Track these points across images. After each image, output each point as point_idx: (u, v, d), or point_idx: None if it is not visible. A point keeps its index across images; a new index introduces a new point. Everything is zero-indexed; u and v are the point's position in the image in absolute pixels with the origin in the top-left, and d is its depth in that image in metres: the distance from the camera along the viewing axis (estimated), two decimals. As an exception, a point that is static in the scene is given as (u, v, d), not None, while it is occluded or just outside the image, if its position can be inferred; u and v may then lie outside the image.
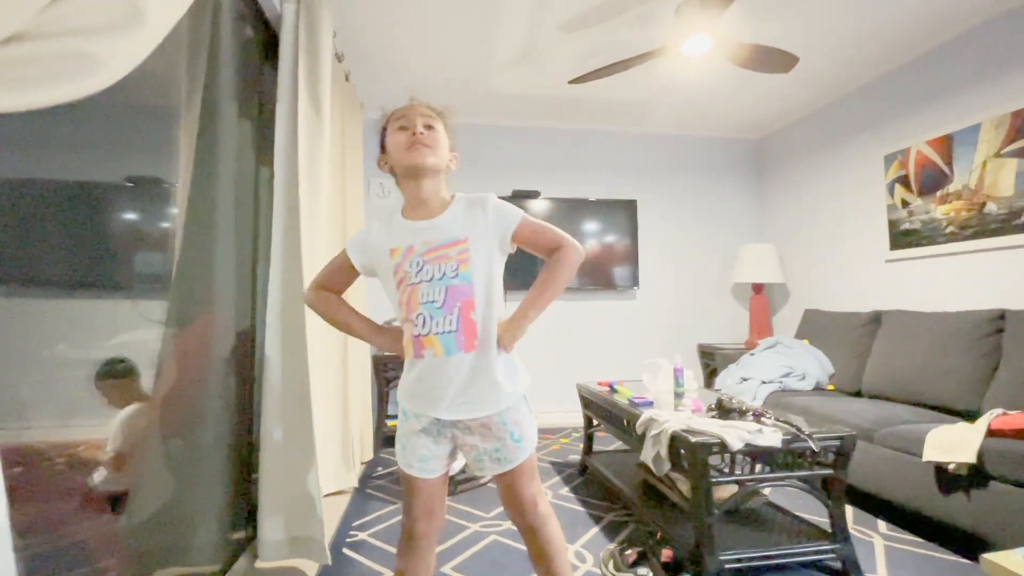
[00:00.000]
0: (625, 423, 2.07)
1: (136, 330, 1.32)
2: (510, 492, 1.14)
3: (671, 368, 2.12)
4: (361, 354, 2.87)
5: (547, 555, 1.15)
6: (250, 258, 1.88)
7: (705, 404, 1.93)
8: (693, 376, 2.06)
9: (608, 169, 4.05)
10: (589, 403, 2.58)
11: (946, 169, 2.69)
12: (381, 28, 2.62)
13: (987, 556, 0.80)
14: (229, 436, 1.68)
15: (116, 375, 1.22)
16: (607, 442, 3.17)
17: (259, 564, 1.72)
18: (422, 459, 1.11)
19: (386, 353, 3.29)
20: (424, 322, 1.06)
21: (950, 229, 2.68)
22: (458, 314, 1.06)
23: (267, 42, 2.00)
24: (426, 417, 1.10)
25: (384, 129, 1.16)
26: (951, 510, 1.77)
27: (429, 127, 1.11)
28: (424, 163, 1.08)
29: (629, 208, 4.00)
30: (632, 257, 3.97)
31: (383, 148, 1.17)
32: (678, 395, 1.96)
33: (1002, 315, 2.25)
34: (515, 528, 1.99)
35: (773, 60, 2.37)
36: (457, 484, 2.41)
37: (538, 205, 3.86)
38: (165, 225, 1.42)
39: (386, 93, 3.39)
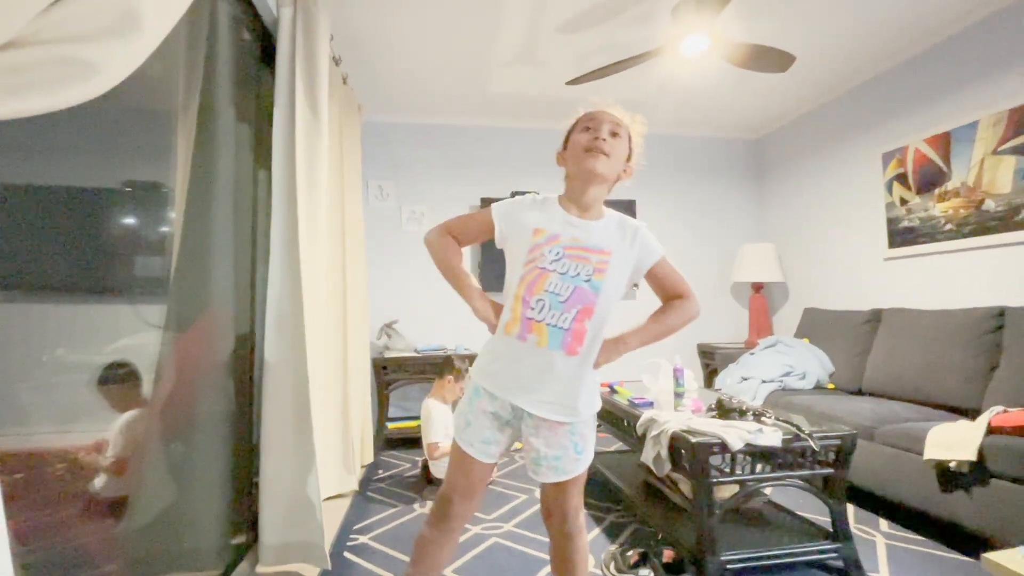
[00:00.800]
0: (625, 424, 2.07)
1: (135, 334, 1.32)
2: (556, 500, 1.15)
3: (671, 368, 2.12)
4: (361, 356, 2.87)
5: (574, 564, 1.17)
6: (249, 262, 1.88)
7: (705, 404, 1.93)
8: (693, 376, 2.05)
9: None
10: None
11: (944, 167, 2.70)
12: (379, 30, 2.62)
13: (988, 555, 0.80)
14: (229, 440, 1.68)
15: (118, 379, 1.21)
16: (607, 443, 3.17)
17: (260, 569, 1.71)
18: (485, 440, 1.10)
19: (387, 355, 3.29)
20: (542, 308, 1.07)
21: (949, 227, 2.68)
22: (575, 316, 1.07)
23: (264, 46, 2.00)
24: (501, 401, 1.10)
25: (572, 126, 1.17)
26: (952, 508, 1.76)
27: (614, 134, 1.12)
28: (596, 170, 1.10)
29: (627, 208, 3.99)
30: (631, 257, 3.97)
31: (566, 144, 1.17)
32: (678, 395, 1.96)
33: (1002, 312, 2.25)
34: (516, 531, 2.00)
35: (770, 60, 2.37)
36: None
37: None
38: (163, 229, 1.42)
39: (385, 95, 3.39)
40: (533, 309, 1.07)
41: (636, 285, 1.18)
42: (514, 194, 3.90)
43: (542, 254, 1.08)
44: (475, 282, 1.18)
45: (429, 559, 1.14)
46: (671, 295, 1.18)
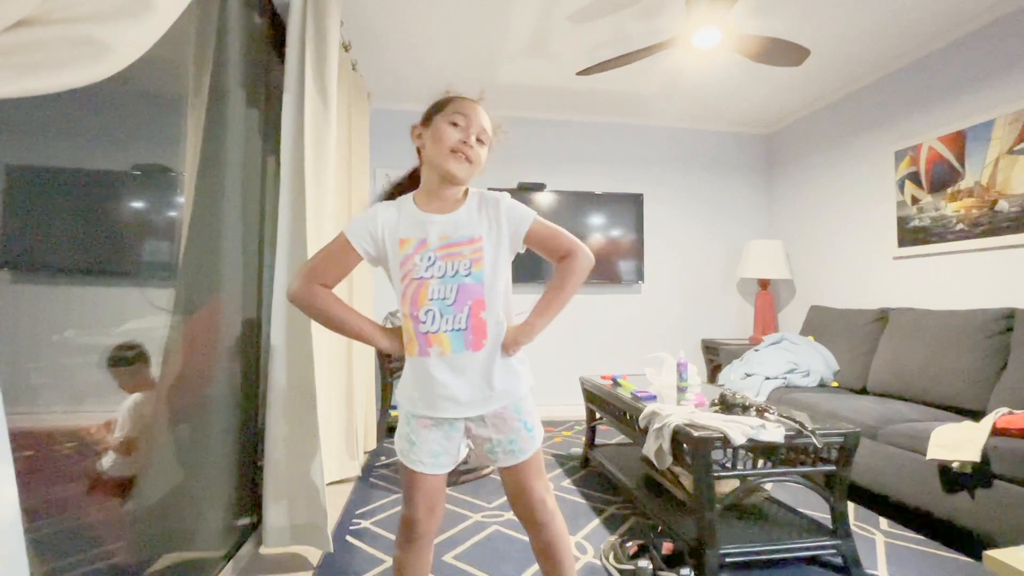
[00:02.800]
0: (628, 417, 2.08)
1: (143, 318, 1.33)
2: (519, 487, 1.12)
3: (675, 363, 2.12)
4: (365, 345, 2.88)
5: (553, 550, 1.14)
6: (256, 247, 1.89)
7: (708, 399, 1.93)
8: (696, 371, 2.06)
9: (615, 162, 4.02)
10: (592, 396, 2.59)
11: (958, 166, 2.66)
12: (389, 17, 2.60)
13: (990, 553, 0.80)
14: (235, 424, 1.70)
15: (127, 360, 1.23)
16: (609, 435, 3.18)
17: (263, 550, 1.74)
18: (433, 454, 1.08)
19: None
20: (433, 319, 1.04)
21: (960, 227, 2.65)
22: (468, 313, 1.04)
23: (274, 30, 1.99)
24: (436, 417, 1.08)
25: (438, 107, 1.10)
26: (954, 508, 1.76)
27: (480, 141, 1.08)
28: (459, 176, 1.06)
29: (635, 202, 3.98)
30: (638, 251, 3.96)
31: (426, 122, 1.11)
32: (681, 389, 1.96)
33: (1011, 314, 2.23)
34: (516, 519, 2.01)
35: (784, 53, 2.34)
36: (460, 475, 2.43)
37: (544, 198, 3.84)
38: (172, 213, 1.42)
39: (394, 83, 3.37)
40: (424, 323, 1.04)
41: (521, 253, 1.12)
42: (520, 185, 3.87)
43: (414, 264, 1.04)
44: (367, 321, 1.11)
45: (411, 565, 1.13)
46: (559, 255, 1.11)
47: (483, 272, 1.05)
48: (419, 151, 1.14)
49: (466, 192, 1.12)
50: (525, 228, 1.09)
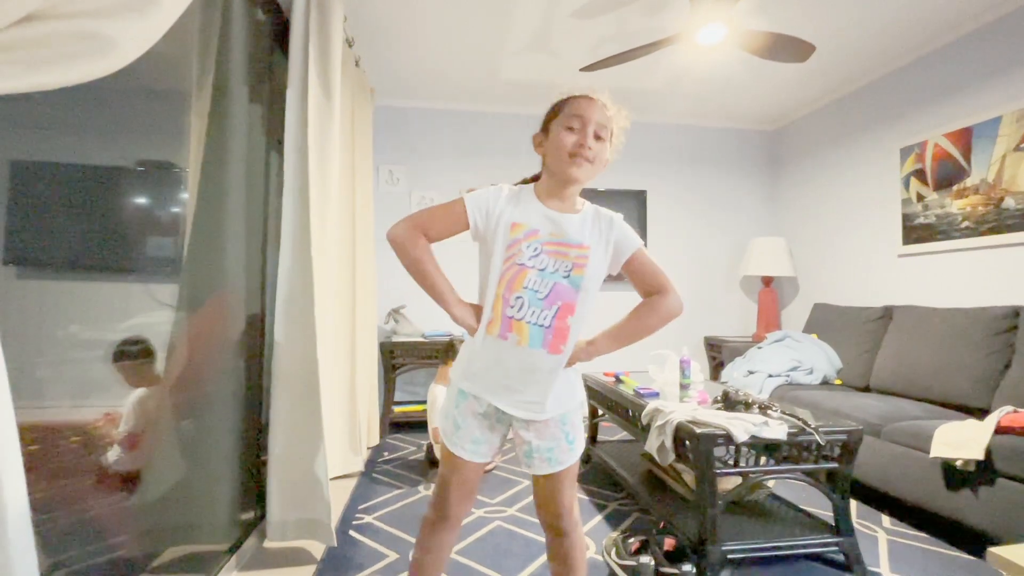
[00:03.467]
0: (630, 413, 2.08)
1: (148, 313, 1.34)
2: (550, 494, 1.12)
3: (677, 360, 2.12)
4: (369, 340, 2.89)
5: (571, 560, 1.15)
6: (260, 243, 1.89)
7: (711, 396, 1.93)
8: (699, 368, 2.05)
9: (618, 158, 4.00)
10: (594, 393, 2.59)
11: (964, 163, 2.64)
12: (392, 13, 2.60)
13: (994, 550, 0.80)
14: (239, 419, 1.71)
15: (133, 355, 1.23)
16: (612, 432, 3.18)
17: (267, 544, 1.75)
18: (474, 441, 1.09)
19: (395, 340, 3.31)
20: (522, 306, 1.04)
21: (966, 224, 2.64)
22: (555, 313, 1.05)
23: (278, 26, 1.99)
24: (485, 402, 1.09)
25: (555, 112, 1.10)
26: (957, 506, 1.76)
27: (599, 137, 1.06)
28: (579, 179, 1.06)
29: (639, 198, 3.97)
30: (640, 248, 3.95)
31: (545, 129, 1.12)
32: (684, 387, 1.96)
33: (1016, 312, 2.22)
34: (519, 515, 2.02)
35: (789, 49, 2.32)
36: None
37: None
38: (176, 209, 1.43)
39: (397, 79, 3.37)
40: (512, 307, 1.04)
41: (614, 276, 1.13)
42: (524, 182, 3.86)
43: (520, 250, 1.05)
44: (450, 285, 1.11)
45: (435, 555, 1.14)
46: (650, 289, 1.12)
47: (581, 279, 1.06)
48: (543, 158, 1.14)
49: (584, 204, 1.13)
50: (630, 253, 1.10)
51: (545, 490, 1.12)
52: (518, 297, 1.04)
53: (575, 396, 1.13)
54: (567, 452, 1.10)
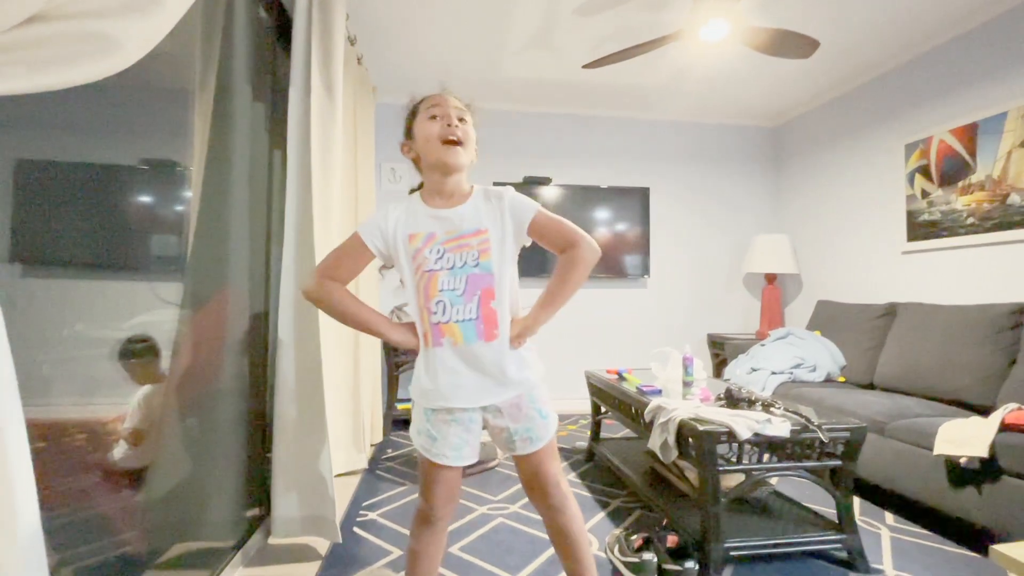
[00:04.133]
0: (633, 411, 2.08)
1: (153, 311, 1.34)
2: (536, 472, 1.14)
3: (680, 357, 2.12)
4: (372, 338, 2.90)
5: (570, 532, 1.17)
6: (263, 241, 1.90)
7: (714, 393, 1.93)
8: (702, 366, 2.05)
9: (621, 156, 4.00)
10: (597, 390, 2.59)
11: (969, 159, 2.63)
12: (394, 11, 2.59)
13: (998, 547, 0.80)
14: (244, 416, 1.72)
15: (138, 353, 1.24)
16: (615, 429, 3.18)
17: (272, 541, 1.76)
18: (455, 447, 1.11)
19: (396, 338, 3.31)
20: (444, 309, 1.07)
21: (971, 220, 2.62)
22: (478, 303, 1.07)
23: (280, 24, 1.99)
24: (452, 408, 1.10)
25: (412, 115, 1.14)
26: (961, 504, 1.76)
27: (461, 120, 1.10)
28: (457, 162, 1.08)
29: (641, 196, 3.96)
30: (643, 245, 3.95)
31: (409, 134, 1.15)
32: (687, 384, 1.96)
33: (1021, 309, 2.21)
34: (522, 511, 2.03)
35: (793, 45, 2.31)
36: (466, 468, 2.45)
37: (549, 192, 3.83)
38: (180, 208, 1.43)
39: (399, 77, 3.37)
40: (435, 313, 1.07)
41: (527, 246, 1.14)
42: (526, 179, 3.87)
43: (424, 257, 1.07)
44: (379, 315, 1.15)
45: (427, 553, 1.17)
46: (562, 246, 1.12)
47: (491, 263, 1.08)
48: (415, 162, 1.17)
49: (472, 189, 1.14)
50: (528, 219, 1.10)
51: (530, 469, 1.15)
52: (438, 302, 1.07)
53: (534, 370, 1.14)
54: (544, 427, 1.13)
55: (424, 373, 1.12)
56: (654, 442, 1.74)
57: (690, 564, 1.51)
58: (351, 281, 1.17)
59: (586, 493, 2.24)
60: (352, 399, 2.51)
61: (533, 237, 1.13)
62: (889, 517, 1.99)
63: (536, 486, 1.16)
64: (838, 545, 1.62)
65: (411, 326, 1.15)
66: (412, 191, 1.19)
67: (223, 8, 1.51)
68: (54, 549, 0.93)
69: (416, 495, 2.19)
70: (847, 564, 1.62)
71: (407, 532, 1.87)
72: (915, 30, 2.74)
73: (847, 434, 1.61)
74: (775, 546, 1.59)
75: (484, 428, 1.15)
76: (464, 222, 1.09)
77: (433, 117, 1.09)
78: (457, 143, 1.08)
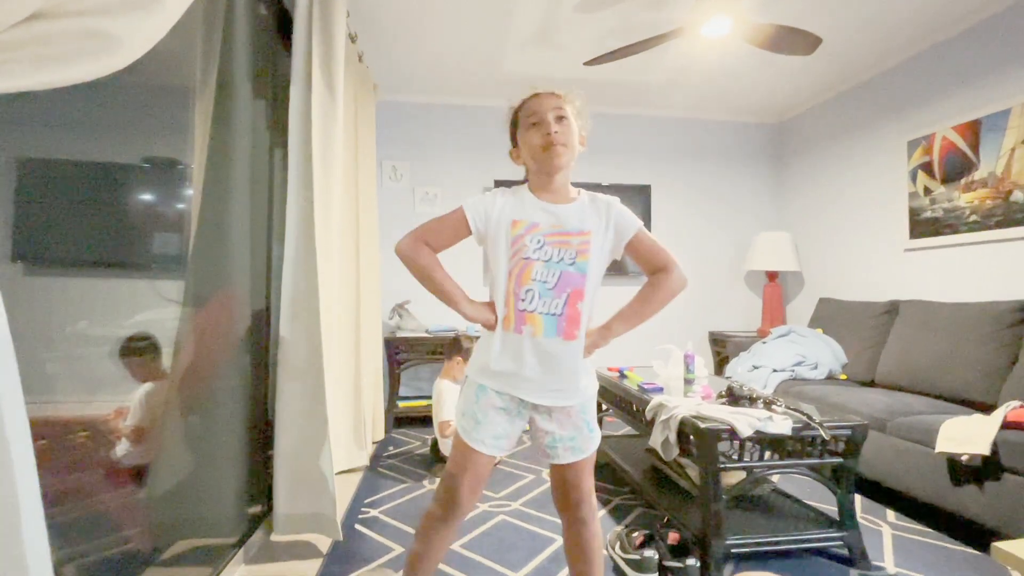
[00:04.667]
0: (634, 408, 2.08)
1: (154, 309, 1.35)
2: (572, 481, 1.15)
3: (682, 355, 2.12)
4: (373, 335, 2.90)
5: (592, 548, 1.17)
6: (264, 239, 1.90)
7: (715, 391, 1.93)
8: (704, 364, 2.05)
9: (622, 153, 3.99)
10: (599, 388, 2.59)
11: (972, 156, 2.62)
12: (395, 8, 2.59)
13: (999, 544, 0.80)
14: (245, 414, 1.72)
15: (139, 351, 1.25)
16: (616, 427, 3.19)
17: (274, 538, 1.77)
18: (496, 436, 1.11)
19: (399, 335, 3.32)
20: (532, 298, 1.08)
21: (973, 218, 2.62)
22: (566, 300, 1.08)
23: (281, 21, 1.99)
24: (509, 396, 1.11)
25: (514, 124, 1.16)
26: (962, 501, 1.76)
27: (560, 118, 1.10)
28: (560, 165, 1.10)
29: (643, 193, 3.95)
30: (645, 243, 3.93)
31: (514, 141, 1.16)
32: (688, 382, 1.96)
33: (1024, 307, 2.21)
34: (524, 509, 2.03)
35: (795, 41, 2.30)
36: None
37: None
38: (181, 206, 1.43)
39: (400, 74, 3.36)
40: (523, 300, 1.08)
41: (618, 260, 1.16)
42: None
43: (524, 244, 1.08)
44: (459, 287, 1.15)
45: (436, 548, 1.16)
46: (654, 267, 1.15)
47: (587, 264, 1.09)
48: (527, 168, 1.18)
49: (579, 192, 1.16)
50: (631, 234, 1.13)
51: (568, 478, 1.15)
52: (528, 290, 1.07)
53: (592, 385, 1.16)
54: (589, 440, 1.14)
55: (495, 354, 1.11)
56: (655, 440, 1.74)
57: (691, 561, 1.51)
58: (441, 251, 1.16)
59: (587, 490, 2.24)
60: (353, 396, 2.51)
61: (629, 253, 1.15)
62: (890, 514, 2.00)
63: (569, 497, 1.16)
64: (839, 542, 1.62)
65: (488, 305, 1.14)
66: (521, 183, 1.20)
67: (223, 5, 1.51)
68: (57, 546, 0.93)
69: (419, 493, 2.21)
70: (848, 561, 1.62)
71: (409, 529, 1.87)
72: (918, 26, 2.72)
73: (848, 432, 1.60)
74: (776, 543, 1.59)
75: (529, 427, 1.15)
76: (570, 220, 1.10)
77: (533, 124, 1.10)
78: (559, 145, 1.08)
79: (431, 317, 3.55)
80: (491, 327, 1.12)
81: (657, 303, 1.15)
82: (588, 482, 1.16)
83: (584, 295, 1.09)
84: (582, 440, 1.13)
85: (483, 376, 1.13)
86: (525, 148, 1.12)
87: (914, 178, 2.95)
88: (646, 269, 1.16)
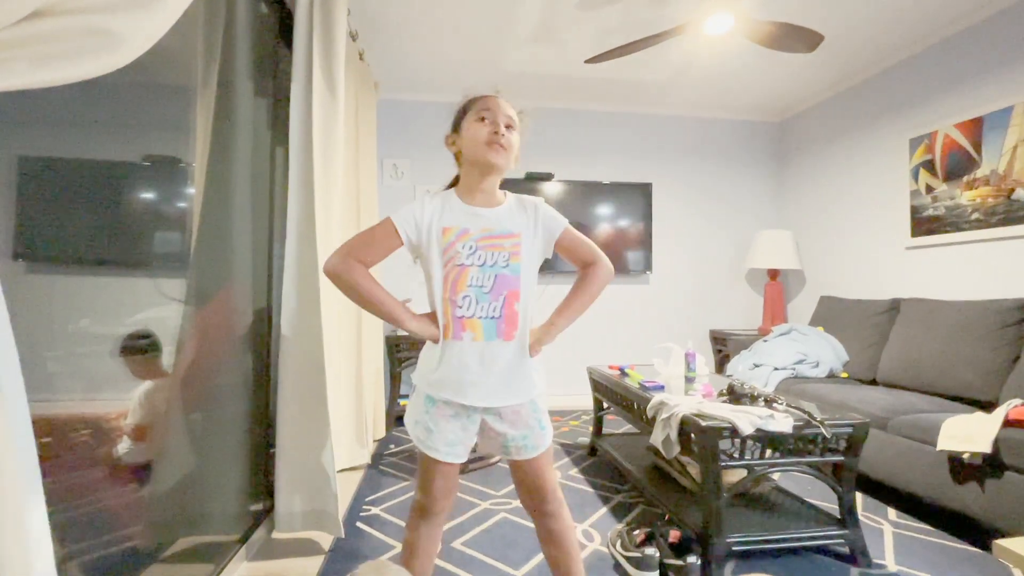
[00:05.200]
0: (635, 406, 2.08)
1: (156, 307, 1.35)
2: (530, 479, 1.17)
3: (683, 353, 2.12)
4: (374, 334, 2.91)
5: (562, 538, 1.19)
6: (265, 237, 1.90)
7: (716, 389, 1.93)
8: (704, 362, 2.05)
9: (623, 151, 3.99)
10: (599, 386, 2.59)
11: (974, 154, 2.61)
12: (396, 6, 2.58)
13: (1001, 542, 0.80)
14: (247, 412, 1.72)
15: (140, 349, 1.25)
16: (617, 425, 3.19)
17: (276, 535, 1.77)
18: (449, 444, 1.12)
19: (400, 333, 3.32)
20: (469, 304, 1.09)
21: (975, 216, 2.61)
22: (503, 302, 1.10)
23: (282, 20, 1.99)
24: (456, 404, 1.11)
25: (463, 112, 1.16)
26: (964, 500, 1.76)
27: (509, 127, 1.13)
28: (499, 164, 1.12)
29: (644, 191, 3.95)
30: (646, 241, 3.94)
31: (456, 128, 1.17)
32: (689, 380, 1.96)
33: (1026, 304, 2.20)
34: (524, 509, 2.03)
35: (797, 39, 2.29)
36: (468, 463, 2.45)
37: (551, 188, 3.82)
38: (182, 204, 1.43)
39: (401, 73, 3.36)
40: (460, 307, 1.09)
41: (548, 258, 1.20)
42: (528, 175, 3.87)
43: (457, 251, 1.09)
44: (397, 302, 1.14)
45: (424, 538, 1.18)
46: (584, 262, 1.20)
47: (520, 265, 1.11)
48: (456, 156, 1.19)
49: (505, 195, 1.19)
50: (558, 233, 1.16)
51: (525, 475, 1.17)
52: (464, 296, 1.09)
53: (540, 381, 1.17)
54: (541, 436, 1.15)
55: (436, 364, 1.11)
56: (656, 438, 1.75)
57: (692, 559, 1.51)
58: (374, 266, 1.15)
59: (588, 488, 2.24)
60: (355, 394, 2.52)
61: (558, 250, 1.18)
62: (892, 513, 2.00)
63: (531, 493, 1.18)
64: (840, 540, 1.62)
65: (430, 316, 1.14)
66: (447, 187, 1.21)
67: (224, 4, 1.51)
68: (61, 544, 0.93)
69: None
70: (849, 559, 1.62)
71: (410, 527, 1.88)
72: (920, 24, 2.72)
73: (850, 430, 1.60)
74: (777, 541, 1.59)
75: (482, 430, 1.15)
76: (499, 223, 1.12)
77: (482, 119, 1.11)
78: (501, 147, 1.10)
79: (432, 315, 3.55)
80: (436, 340, 1.12)
81: (590, 295, 1.20)
82: (550, 477, 1.18)
83: (520, 295, 1.11)
84: (534, 437, 1.14)
85: (427, 386, 1.13)
86: (467, 136, 1.12)
87: (916, 176, 2.94)
88: (577, 264, 1.21)
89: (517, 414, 1.13)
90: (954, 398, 2.27)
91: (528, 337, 1.13)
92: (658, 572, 1.51)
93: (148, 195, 1.32)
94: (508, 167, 1.14)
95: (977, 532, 1.78)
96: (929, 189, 2.86)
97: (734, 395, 1.78)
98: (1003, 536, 1.57)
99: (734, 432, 1.53)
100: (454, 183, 1.21)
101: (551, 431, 1.19)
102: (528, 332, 1.14)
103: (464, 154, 1.15)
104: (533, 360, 1.15)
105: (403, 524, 1.89)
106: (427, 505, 1.16)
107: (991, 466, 1.67)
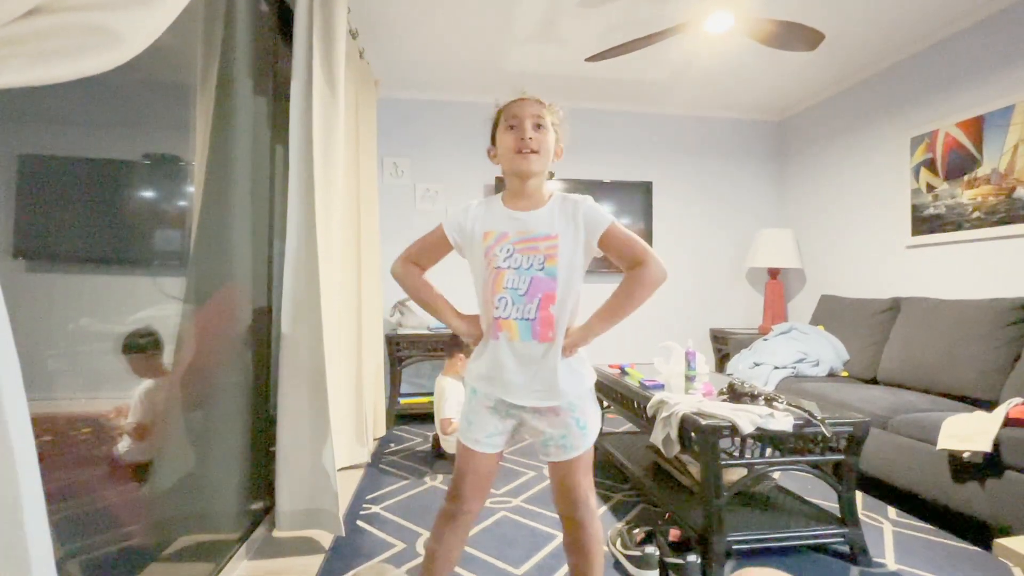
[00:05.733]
0: (636, 405, 2.08)
1: (156, 306, 1.35)
2: (565, 483, 1.16)
3: (683, 352, 2.12)
4: (375, 332, 2.91)
5: (587, 549, 1.18)
6: (266, 235, 1.90)
7: (716, 388, 1.93)
8: (705, 360, 2.05)
9: (624, 150, 3.98)
10: (600, 385, 2.59)
11: (975, 152, 2.61)
12: (396, 4, 2.58)
13: (1001, 541, 0.80)
14: (247, 410, 1.72)
15: (140, 347, 1.25)
16: (617, 424, 3.19)
17: (276, 533, 1.78)
18: (489, 434, 1.15)
19: (400, 332, 3.32)
20: (505, 305, 1.11)
21: (976, 215, 2.61)
22: (538, 304, 1.10)
23: (282, 17, 1.98)
24: (495, 398, 1.14)
25: (495, 121, 1.19)
26: (964, 499, 1.76)
27: (538, 126, 1.13)
28: (530, 170, 1.13)
29: (644, 190, 3.94)
30: (646, 240, 3.92)
31: (493, 141, 1.20)
32: (689, 378, 1.96)
33: (1026, 304, 2.20)
34: (524, 505, 2.04)
35: (798, 37, 2.29)
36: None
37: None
38: (182, 203, 1.43)
39: (401, 71, 3.35)
40: (497, 308, 1.11)
41: (598, 258, 1.17)
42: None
43: (495, 255, 1.12)
44: (449, 303, 1.23)
45: (447, 547, 1.18)
46: (630, 262, 1.13)
47: (556, 268, 1.10)
48: (502, 167, 1.21)
49: (551, 194, 1.19)
50: (601, 231, 1.12)
51: (561, 478, 1.17)
52: (500, 298, 1.11)
53: (582, 383, 1.16)
54: (580, 437, 1.14)
55: (484, 362, 1.16)
56: (656, 436, 1.75)
57: (692, 558, 1.51)
58: (430, 267, 1.25)
59: (588, 487, 2.24)
60: (355, 393, 2.52)
61: (603, 249, 1.14)
62: (892, 511, 2.00)
63: (565, 497, 1.18)
64: (840, 539, 1.62)
65: (475, 318, 1.20)
66: (499, 192, 1.23)
67: (224, 2, 1.51)
68: (60, 542, 0.93)
69: (420, 489, 2.21)
70: (850, 558, 1.62)
71: (410, 525, 1.88)
72: (921, 22, 2.71)
73: (850, 429, 1.60)
74: (777, 540, 1.59)
75: (521, 426, 1.17)
76: (537, 225, 1.13)
77: (511, 127, 1.13)
78: (531, 151, 1.12)
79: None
80: (476, 339, 1.19)
81: (637, 298, 1.13)
82: (583, 481, 1.16)
83: (556, 298, 1.10)
84: (572, 438, 1.13)
85: (473, 379, 1.18)
86: (500, 147, 1.16)
87: (916, 175, 2.94)
88: (624, 265, 1.15)
89: (554, 412, 1.13)
90: (955, 397, 2.27)
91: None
92: (658, 571, 1.51)
93: (148, 193, 1.32)
94: (544, 168, 1.16)
95: (977, 531, 1.78)
96: (930, 188, 2.86)
97: (734, 394, 1.78)
98: (1003, 535, 1.57)
99: (734, 431, 1.53)
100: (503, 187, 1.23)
101: (594, 433, 1.16)
102: (565, 333, 1.13)
103: (502, 165, 1.18)
104: (574, 361, 1.15)
105: (404, 522, 1.90)
106: (459, 504, 1.16)
107: (991, 465, 1.67)
